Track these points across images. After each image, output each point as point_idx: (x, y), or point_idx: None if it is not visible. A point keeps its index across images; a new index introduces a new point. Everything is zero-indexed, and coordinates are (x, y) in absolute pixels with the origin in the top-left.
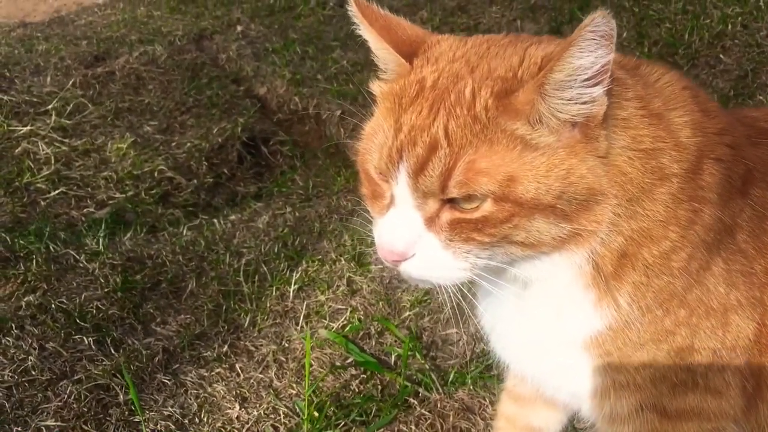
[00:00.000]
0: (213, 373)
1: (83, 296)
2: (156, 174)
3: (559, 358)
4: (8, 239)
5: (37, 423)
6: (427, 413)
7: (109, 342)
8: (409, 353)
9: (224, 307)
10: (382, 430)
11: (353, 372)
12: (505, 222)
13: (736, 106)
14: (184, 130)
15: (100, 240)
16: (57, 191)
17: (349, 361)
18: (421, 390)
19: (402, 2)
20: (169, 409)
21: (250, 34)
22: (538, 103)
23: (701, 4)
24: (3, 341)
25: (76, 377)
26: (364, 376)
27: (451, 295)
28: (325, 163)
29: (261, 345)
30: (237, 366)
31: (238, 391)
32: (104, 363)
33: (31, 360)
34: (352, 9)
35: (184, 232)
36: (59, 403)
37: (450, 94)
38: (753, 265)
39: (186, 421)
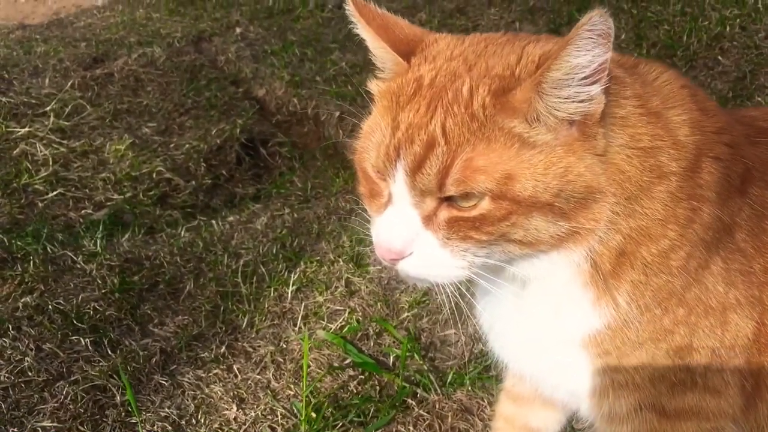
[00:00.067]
0: (210, 374)
1: (80, 297)
2: (154, 175)
3: (557, 356)
4: (6, 240)
5: (33, 424)
6: (425, 414)
7: (106, 343)
8: (408, 354)
9: (222, 308)
10: (380, 431)
11: (351, 373)
12: (502, 220)
13: (734, 107)
14: (183, 131)
15: (98, 241)
16: (55, 192)
17: (347, 361)
18: (419, 391)
19: (401, 4)
20: (166, 410)
21: (249, 36)
22: (535, 102)
23: (699, 6)
24: (0, 342)
25: (72, 378)
26: (362, 376)
27: (450, 294)
28: (323, 165)
29: (259, 346)
30: (234, 367)
31: (235, 392)
32: (101, 364)
33: (27, 361)
34: (350, 8)
35: (182, 233)
36: (56, 404)
37: (447, 92)
38: (752, 264)
39: (183, 422)
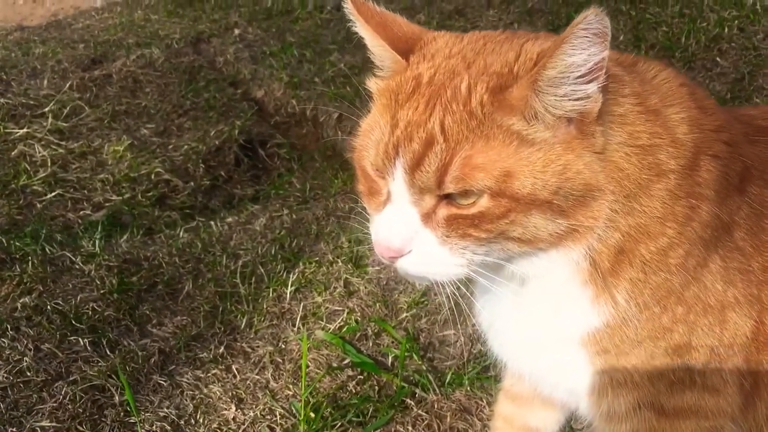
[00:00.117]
0: (209, 374)
1: (79, 298)
2: (153, 176)
3: (556, 355)
4: (4, 241)
5: (32, 424)
6: (424, 414)
7: (104, 343)
8: (406, 354)
9: (221, 309)
10: (378, 431)
11: (350, 373)
12: (501, 218)
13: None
14: (181, 132)
15: (97, 242)
16: (53, 193)
17: (345, 362)
18: (418, 391)
19: (399, 5)
20: (165, 410)
21: (248, 38)
22: (531, 99)
23: (698, 8)
24: None
25: (71, 378)
26: (361, 377)
27: (449, 293)
28: (322, 166)
29: (257, 346)
30: (233, 367)
31: (234, 392)
32: (100, 364)
33: (26, 361)
34: (348, 6)
35: (181, 234)
36: (54, 404)
37: (446, 90)
38: (750, 262)
39: (182, 422)
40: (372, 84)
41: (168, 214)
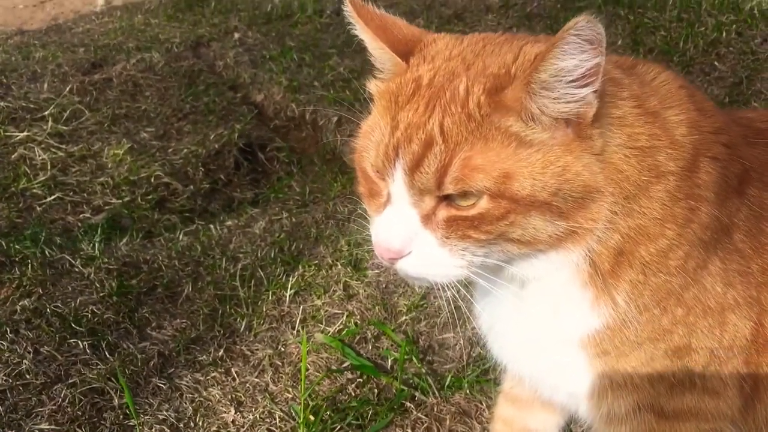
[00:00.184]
0: (208, 377)
1: (78, 300)
2: (152, 180)
3: (556, 357)
4: (4, 244)
5: (31, 426)
6: (423, 417)
7: (104, 346)
8: (406, 357)
9: (220, 312)
10: None
11: (349, 376)
12: (501, 219)
13: None
14: (181, 136)
15: (96, 245)
16: (53, 197)
17: (345, 365)
18: (417, 394)
19: (399, 10)
20: (164, 413)
21: (248, 42)
22: (526, 101)
23: (696, 12)
24: None
25: (70, 381)
26: (361, 379)
27: (449, 295)
28: (321, 169)
29: (257, 349)
30: (233, 370)
31: (233, 396)
32: (99, 367)
33: (25, 364)
34: (348, 9)
35: (180, 237)
36: (53, 407)
37: (445, 91)
38: (750, 264)
39: (181, 425)
40: (372, 86)
41: (167, 217)
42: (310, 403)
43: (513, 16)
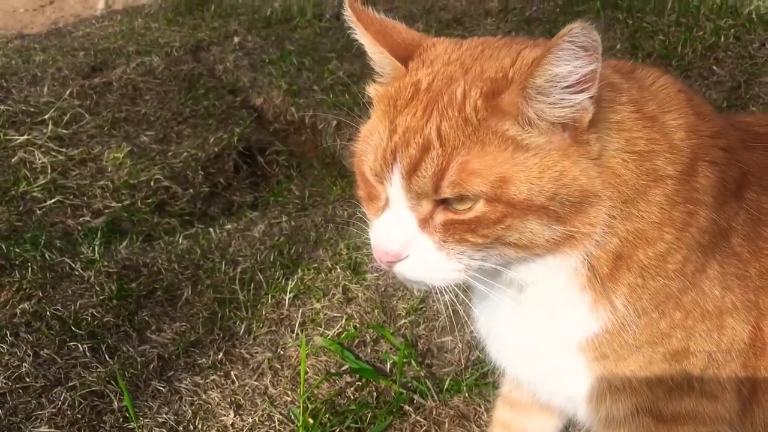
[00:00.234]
0: (208, 380)
1: (78, 304)
2: (152, 183)
3: (554, 361)
4: (4, 247)
5: (30, 430)
6: (422, 420)
7: (103, 349)
8: (405, 360)
9: (219, 315)
10: None
11: (348, 379)
12: (497, 223)
13: None
14: (181, 139)
15: (96, 248)
16: (53, 200)
17: (344, 368)
18: (416, 397)
19: (398, 14)
20: (164, 416)
21: (247, 46)
22: (522, 105)
23: (694, 17)
24: None
25: (70, 384)
26: (360, 383)
27: (447, 300)
28: (321, 173)
29: (256, 352)
30: (232, 373)
31: (232, 398)
32: (99, 370)
33: (25, 367)
34: (348, 14)
35: (180, 240)
36: (53, 410)
37: (443, 96)
38: (748, 268)
39: (180, 428)
40: (372, 90)
41: (167, 220)
42: (309, 406)
43: (512, 21)
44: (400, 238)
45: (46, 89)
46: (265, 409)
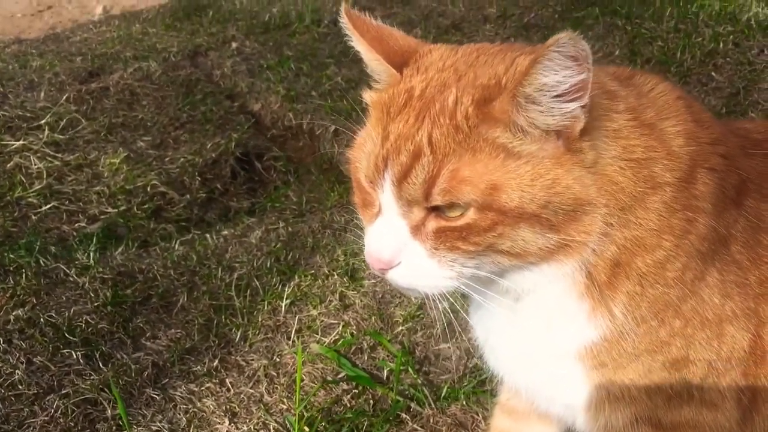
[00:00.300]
0: (203, 387)
1: (72, 310)
2: (149, 189)
3: (553, 369)
4: None
5: None
6: (419, 428)
7: (97, 356)
8: (402, 368)
9: (215, 322)
10: None
11: (345, 386)
12: (488, 230)
13: None
14: (178, 145)
15: (91, 254)
16: (48, 206)
17: (340, 375)
18: (413, 405)
19: (396, 20)
20: (158, 424)
21: (245, 51)
22: (513, 113)
23: (693, 23)
24: None
25: (63, 391)
26: (356, 390)
27: (441, 309)
28: (318, 179)
29: (252, 360)
30: (227, 381)
31: (227, 406)
32: (92, 377)
33: (18, 374)
34: (344, 21)
35: (176, 246)
36: (46, 418)
37: (435, 103)
38: (747, 276)
39: None
40: (367, 96)
41: (163, 226)
42: (305, 414)
43: (511, 27)
44: (392, 245)
45: (42, 94)
46: (261, 417)
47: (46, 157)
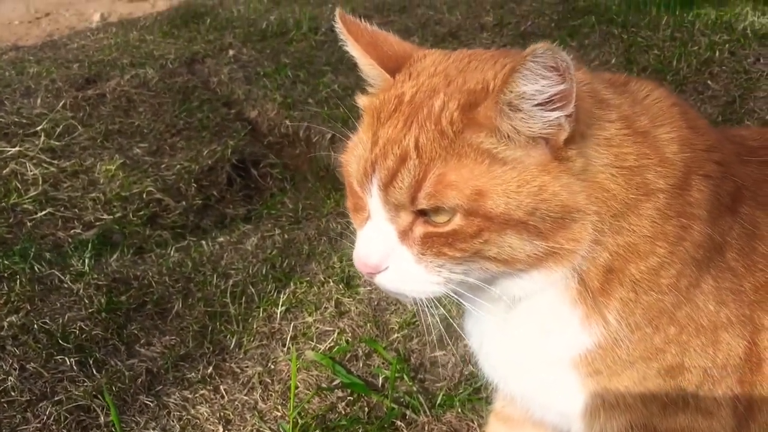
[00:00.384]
0: (197, 394)
1: (66, 317)
2: (144, 195)
3: (547, 376)
4: None
5: None
6: None
7: (91, 363)
8: (397, 375)
9: (210, 329)
10: None
11: (340, 394)
12: (475, 237)
13: None
14: (174, 152)
15: (86, 261)
16: (44, 212)
17: (335, 382)
18: (408, 412)
19: (394, 28)
20: (151, 431)
21: (242, 58)
22: (496, 119)
23: (689, 32)
24: None
25: (56, 398)
26: (351, 398)
27: (434, 313)
28: (314, 186)
29: (246, 367)
30: (221, 388)
31: (221, 414)
32: (86, 384)
33: (11, 380)
34: (339, 26)
35: (172, 253)
36: (38, 425)
37: (423, 108)
38: (742, 283)
39: None
40: (360, 101)
41: (159, 233)
42: (300, 421)
43: (507, 35)
44: (380, 249)
45: (39, 101)
46: (255, 425)
47: (42, 163)
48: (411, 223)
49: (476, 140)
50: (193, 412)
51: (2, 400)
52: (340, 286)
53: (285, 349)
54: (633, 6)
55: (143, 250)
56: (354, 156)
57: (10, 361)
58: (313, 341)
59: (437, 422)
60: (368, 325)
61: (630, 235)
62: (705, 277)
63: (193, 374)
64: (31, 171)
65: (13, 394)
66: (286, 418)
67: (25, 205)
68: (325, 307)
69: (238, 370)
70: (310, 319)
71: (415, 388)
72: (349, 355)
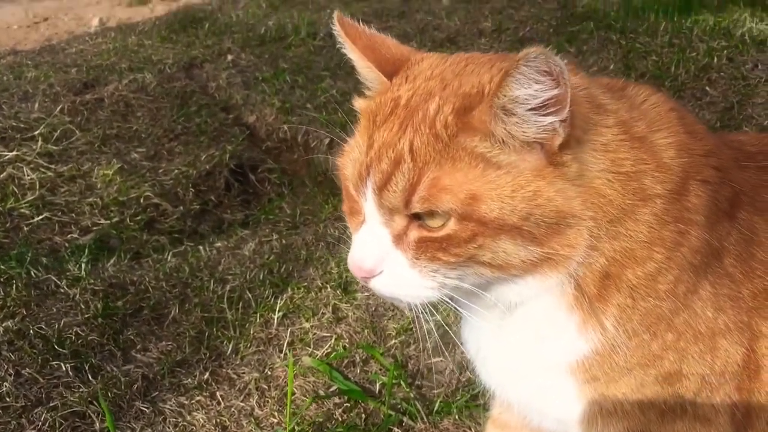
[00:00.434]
0: (193, 401)
1: (62, 322)
2: (142, 200)
3: (544, 383)
4: None
5: None
6: None
7: (87, 369)
8: (394, 381)
9: (207, 334)
10: None
11: (337, 400)
12: (468, 242)
13: None
14: (172, 157)
15: (83, 266)
16: (41, 216)
17: (332, 389)
18: (405, 419)
19: (392, 33)
20: None
21: (241, 63)
22: (491, 123)
23: (687, 38)
24: None
25: (51, 404)
26: (348, 404)
27: (430, 319)
28: (312, 191)
29: (243, 373)
30: (218, 394)
31: (218, 420)
32: (81, 390)
33: (6, 386)
34: (337, 28)
35: (169, 258)
36: (33, 431)
37: (419, 111)
38: (740, 289)
39: None
40: (357, 104)
41: (156, 238)
42: (296, 428)
43: (506, 41)
44: (375, 253)
45: (37, 105)
46: (251, 431)
47: (39, 168)
48: (405, 227)
49: (471, 144)
50: (189, 418)
51: None
52: (338, 292)
53: (282, 355)
54: (631, 12)
55: (140, 255)
56: (350, 159)
57: (6, 366)
58: (310, 347)
59: (434, 429)
60: (365, 331)
61: (627, 240)
62: (703, 283)
63: (189, 380)
64: (28, 175)
65: (8, 399)
66: (283, 424)
67: (22, 210)
68: (322, 313)
69: (235, 376)
70: (307, 325)
71: (412, 395)
72: (346, 361)
